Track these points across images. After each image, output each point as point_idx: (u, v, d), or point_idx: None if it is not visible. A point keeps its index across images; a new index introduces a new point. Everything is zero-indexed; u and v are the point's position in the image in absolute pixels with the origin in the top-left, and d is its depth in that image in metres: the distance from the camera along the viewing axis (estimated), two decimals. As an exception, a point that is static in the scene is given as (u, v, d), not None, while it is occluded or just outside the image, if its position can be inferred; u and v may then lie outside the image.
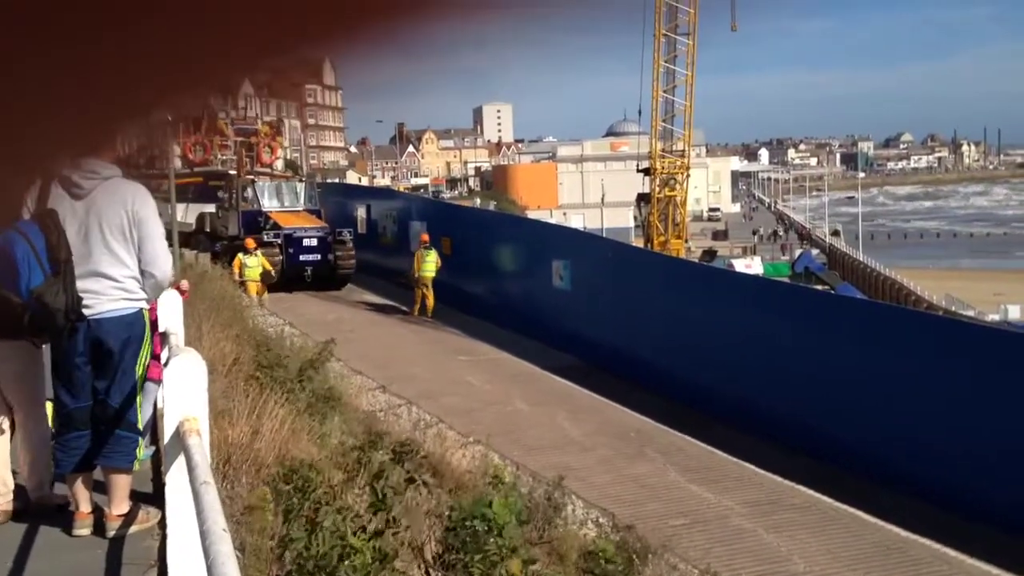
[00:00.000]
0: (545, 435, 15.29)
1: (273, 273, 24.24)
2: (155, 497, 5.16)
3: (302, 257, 26.72)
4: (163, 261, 4.97)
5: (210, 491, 2.04)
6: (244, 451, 5.76)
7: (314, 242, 26.99)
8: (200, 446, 2.64)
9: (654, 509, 12.22)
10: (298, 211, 28.34)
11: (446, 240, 27.52)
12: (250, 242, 24.11)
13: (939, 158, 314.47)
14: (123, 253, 4.85)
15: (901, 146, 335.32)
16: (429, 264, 24.20)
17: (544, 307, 22.45)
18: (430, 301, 24.23)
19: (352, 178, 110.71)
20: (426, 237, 24.67)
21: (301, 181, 31.93)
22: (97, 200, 4.84)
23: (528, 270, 23.55)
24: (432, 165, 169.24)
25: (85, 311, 4.76)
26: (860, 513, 12.56)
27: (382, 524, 3.30)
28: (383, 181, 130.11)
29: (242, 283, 22.87)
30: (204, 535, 1.84)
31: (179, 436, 2.86)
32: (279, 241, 26.15)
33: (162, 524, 4.72)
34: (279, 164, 40.65)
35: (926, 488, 12.74)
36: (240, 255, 23.56)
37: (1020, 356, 12.73)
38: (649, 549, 9.28)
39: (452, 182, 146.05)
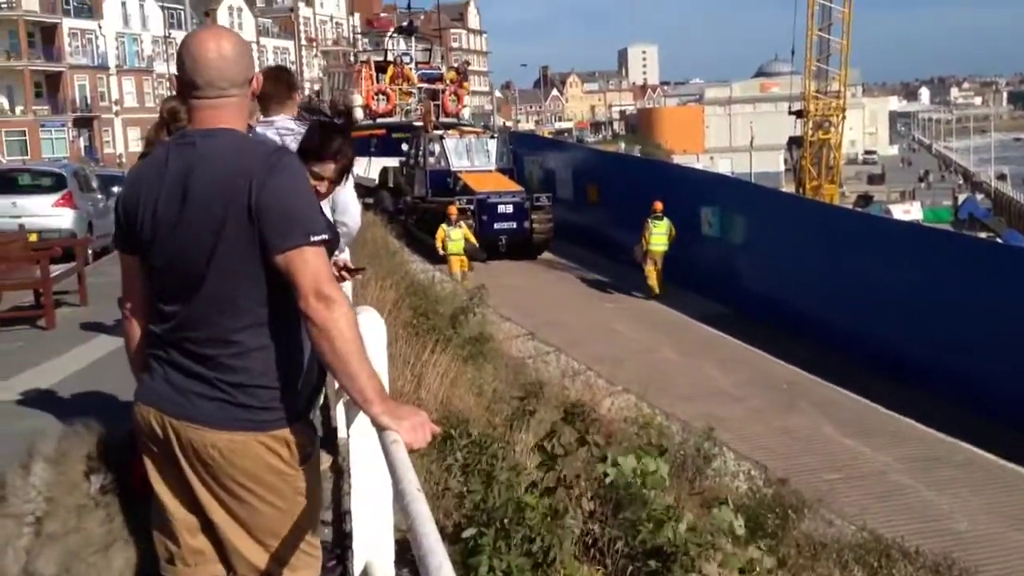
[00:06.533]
0: (694, 384, 15.19)
1: (479, 248, 22.55)
2: (323, 440, 5.38)
3: (497, 225, 24.38)
4: (353, 210, 5.17)
5: (400, 449, 2.12)
6: (409, 399, 5.95)
7: (510, 208, 24.68)
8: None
9: (808, 462, 12.02)
10: (490, 171, 26.28)
11: (593, 187, 27.40)
12: (453, 210, 22.12)
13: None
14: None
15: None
16: (660, 236, 21.07)
17: (692, 254, 22.13)
18: (656, 276, 21.24)
19: (498, 123, 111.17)
20: (659, 205, 21.13)
21: (492, 137, 28.69)
22: None
23: (676, 217, 23.16)
24: (576, 109, 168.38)
25: None
26: (1025, 471, 12.05)
27: (552, 482, 3.38)
28: (527, 125, 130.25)
29: (443, 256, 21.46)
30: (401, 495, 1.93)
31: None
32: (472, 207, 23.77)
33: (333, 468, 4.95)
34: (465, 113, 37.62)
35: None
36: (443, 226, 21.74)
37: None
38: (804, 503, 9.13)
39: (596, 126, 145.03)
